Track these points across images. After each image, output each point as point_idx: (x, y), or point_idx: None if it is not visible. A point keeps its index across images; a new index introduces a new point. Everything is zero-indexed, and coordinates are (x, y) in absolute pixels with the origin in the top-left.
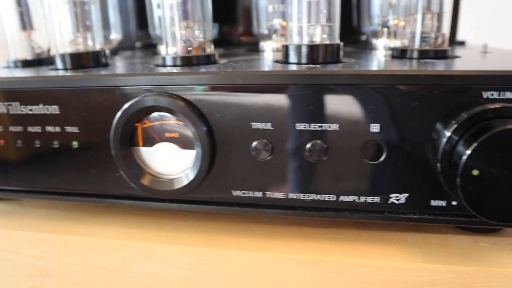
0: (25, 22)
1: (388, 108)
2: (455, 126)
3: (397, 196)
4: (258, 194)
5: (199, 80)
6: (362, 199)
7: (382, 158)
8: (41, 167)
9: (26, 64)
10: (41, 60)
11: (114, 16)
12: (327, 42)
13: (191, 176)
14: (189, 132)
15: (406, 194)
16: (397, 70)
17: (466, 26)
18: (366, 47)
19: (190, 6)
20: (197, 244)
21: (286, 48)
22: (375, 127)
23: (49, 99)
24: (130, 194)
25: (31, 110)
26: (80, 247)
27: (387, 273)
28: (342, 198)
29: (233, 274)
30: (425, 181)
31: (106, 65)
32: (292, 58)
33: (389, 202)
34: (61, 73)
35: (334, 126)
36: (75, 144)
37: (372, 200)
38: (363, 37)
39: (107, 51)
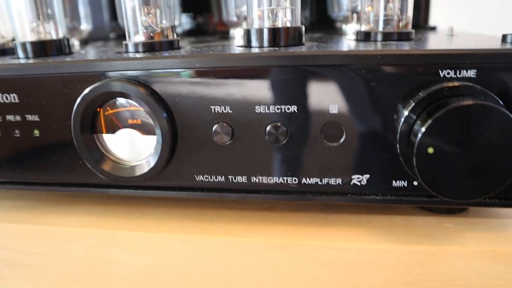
0: None
1: (346, 89)
2: (412, 105)
3: (358, 178)
4: (221, 178)
5: (157, 64)
6: (325, 181)
7: (342, 140)
8: (4, 157)
9: None
10: (5, 50)
11: (84, 6)
12: (288, 25)
13: (152, 163)
14: (150, 118)
15: (368, 175)
16: (353, 50)
17: (443, 12)
18: (336, 33)
19: None
20: (162, 230)
21: (247, 32)
22: (333, 108)
23: (7, 87)
24: (95, 182)
25: None
26: (46, 236)
27: (351, 255)
28: (304, 180)
29: (200, 260)
30: (386, 162)
31: (69, 54)
32: (254, 42)
33: (351, 183)
34: (22, 62)
35: (293, 108)
36: (36, 132)
37: (335, 182)
38: (338, 25)
39: (76, 41)
